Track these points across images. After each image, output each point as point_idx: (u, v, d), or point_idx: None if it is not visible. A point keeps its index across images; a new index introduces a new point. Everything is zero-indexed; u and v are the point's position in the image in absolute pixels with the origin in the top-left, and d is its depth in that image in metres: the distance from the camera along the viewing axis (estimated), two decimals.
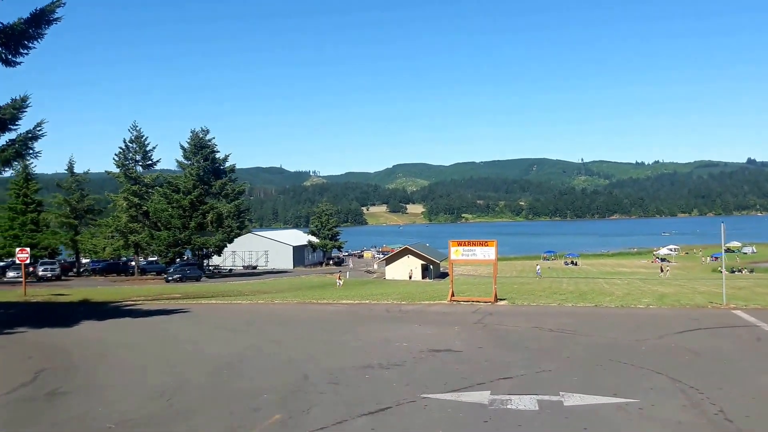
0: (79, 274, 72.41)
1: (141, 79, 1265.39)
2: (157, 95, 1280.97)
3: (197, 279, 60.90)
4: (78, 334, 16.74)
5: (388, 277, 72.11)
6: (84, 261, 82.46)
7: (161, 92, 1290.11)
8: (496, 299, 21.92)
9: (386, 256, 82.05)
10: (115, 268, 74.27)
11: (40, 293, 32.33)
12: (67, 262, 77.22)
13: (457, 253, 22.10)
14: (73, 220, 70.87)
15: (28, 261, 31.57)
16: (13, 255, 69.87)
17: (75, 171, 71.41)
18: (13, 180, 69.58)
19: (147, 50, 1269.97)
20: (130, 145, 70.16)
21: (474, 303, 21.71)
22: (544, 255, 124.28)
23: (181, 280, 58.39)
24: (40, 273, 58.23)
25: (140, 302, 26.81)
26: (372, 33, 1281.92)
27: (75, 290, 38.03)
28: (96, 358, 12.60)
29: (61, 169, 71.26)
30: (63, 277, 62.95)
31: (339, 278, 57.38)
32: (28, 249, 31.58)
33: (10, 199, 69.80)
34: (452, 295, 22.71)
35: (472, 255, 21.93)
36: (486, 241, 22.09)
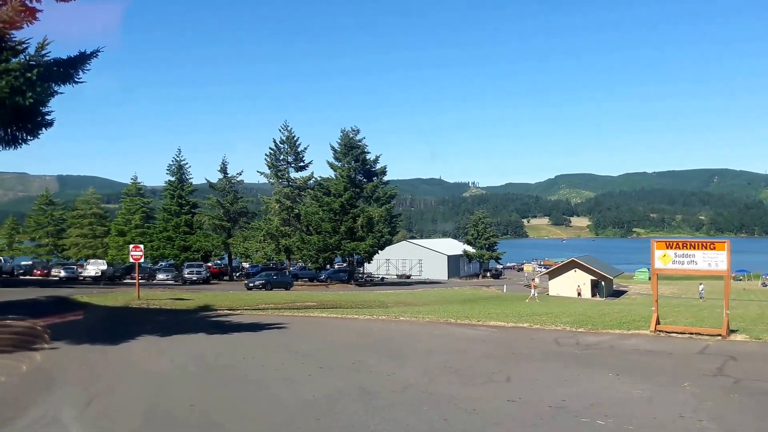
0: (231, 278, 71.92)
1: (293, 83, 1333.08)
2: (307, 100, 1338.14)
3: (287, 287, 52.50)
4: (102, 356, 12.01)
5: (551, 293, 63.98)
6: (245, 265, 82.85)
7: (313, 97, 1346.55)
8: (729, 331, 14.38)
9: (549, 269, 73.83)
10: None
11: (158, 297, 29.19)
12: (221, 265, 77.45)
13: (665, 259, 14.84)
14: (225, 223, 70.54)
15: (142, 260, 28.48)
16: (166, 257, 71.24)
17: (228, 173, 71.07)
18: (168, 181, 70.78)
19: (299, 50, 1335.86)
20: (281, 145, 68.48)
21: (693, 336, 14.35)
22: (734, 274, 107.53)
23: (264, 287, 50.35)
24: (186, 275, 57.44)
25: (247, 312, 22.36)
26: (536, 29, 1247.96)
27: (203, 295, 34.82)
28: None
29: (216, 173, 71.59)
30: (212, 281, 62.13)
31: (533, 286, 51.05)
32: (141, 246, 28.62)
33: (165, 200, 71.08)
34: (657, 322, 15.38)
35: (689, 263, 14.56)
36: (712, 243, 14.61)
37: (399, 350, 13.03)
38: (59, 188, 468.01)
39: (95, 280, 54.58)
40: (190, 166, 72.64)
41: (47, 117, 17.13)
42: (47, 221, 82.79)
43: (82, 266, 62.55)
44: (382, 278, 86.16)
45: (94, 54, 16.57)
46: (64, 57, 15.93)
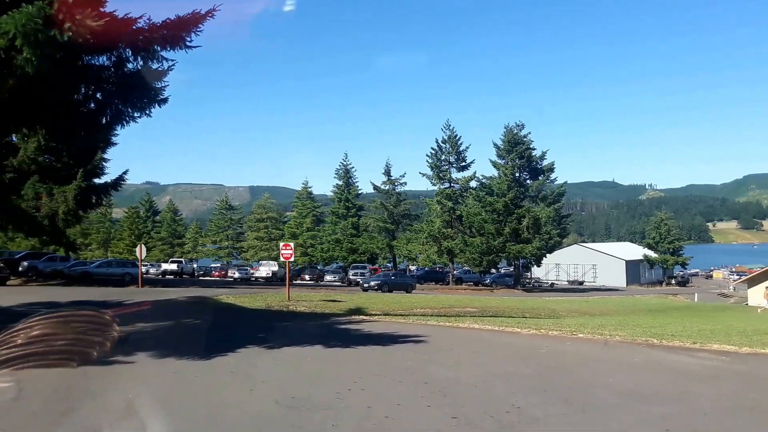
0: None
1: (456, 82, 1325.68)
2: (469, 101, 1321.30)
3: (407, 289, 45.39)
4: (170, 377, 8.89)
5: (750, 302, 53.86)
6: (412, 268, 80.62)
7: (477, 96, 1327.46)
8: None
9: (746, 277, 62.91)
10: (433, 276, 69.89)
11: (309, 299, 26.76)
12: (387, 268, 75.65)
13: None
14: (389, 225, 68.49)
15: (292, 258, 26.00)
16: (335, 259, 70.59)
17: (391, 175, 69.00)
18: (336, 185, 70.28)
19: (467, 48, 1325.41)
20: (443, 145, 64.93)
21: None
22: None
23: (380, 288, 43.55)
24: (350, 277, 55.78)
25: (395, 318, 18.62)
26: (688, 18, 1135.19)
27: (360, 297, 32.02)
28: None
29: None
30: None
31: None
32: (291, 245, 26.06)
33: (333, 204, 70.65)
34: None
35: None
36: None
37: (580, 391, 8.50)
38: (251, 197, 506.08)
39: (267, 281, 54.64)
40: (356, 170, 71.69)
41: (161, 92, 14.54)
42: (227, 225, 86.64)
43: (255, 268, 63.51)
44: (552, 284, 79.49)
45: (208, 13, 13.60)
46: (172, 17, 13.20)
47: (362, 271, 57.63)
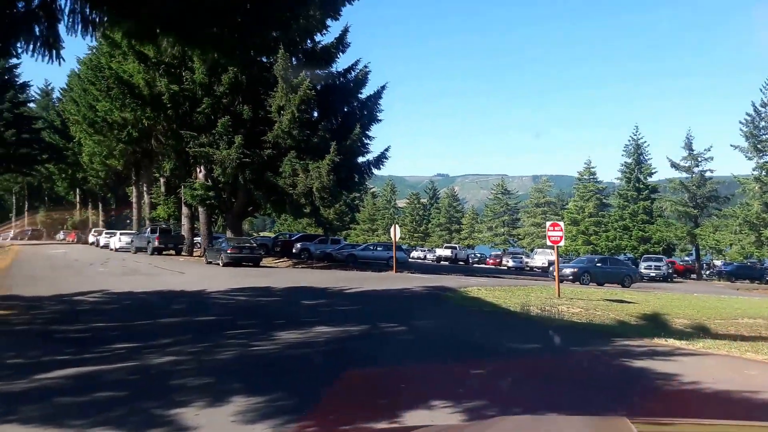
0: (699, 277, 56.82)
1: None
2: None
3: (623, 282, 31.75)
4: None
5: None
6: (716, 263, 66.16)
7: None
8: None
9: None
10: (746, 272, 55.37)
11: (587, 296, 19.86)
12: (688, 261, 62.58)
13: None
14: (691, 210, 55.96)
15: (562, 243, 19.48)
16: (623, 249, 60.30)
17: (693, 149, 56.13)
18: (624, 164, 59.91)
19: None
20: (762, 110, 50.34)
21: None
22: None
23: (578, 279, 30.59)
24: (643, 270, 45.96)
25: (717, 350, 10.71)
26: None
27: (655, 297, 23.75)
28: None
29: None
30: (675, 279, 49.05)
31: None
32: (561, 224, 19.55)
33: (621, 185, 60.44)
34: None
35: None
36: None
37: None
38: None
39: (543, 271, 48.10)
40: (648, 145, 60.39)
41: None
42: (503, 210, 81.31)
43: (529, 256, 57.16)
44: None
45: None
46: None
47: (657, 263, 47.24)
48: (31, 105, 67.38)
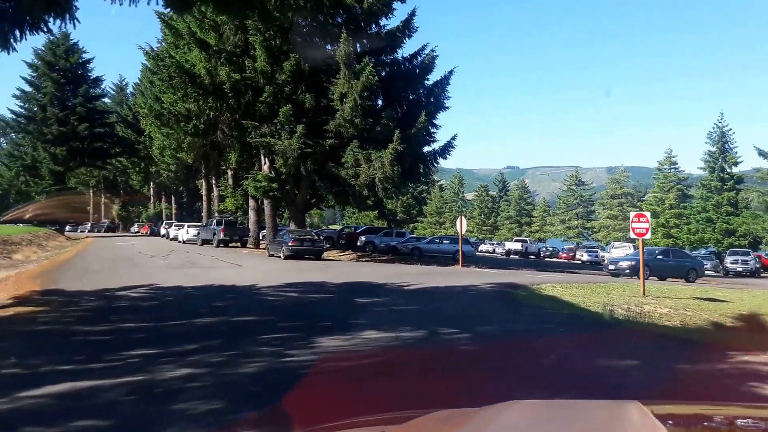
0: None
1: None
2: None
3: (689, 276, 27.86)
4: None
5: None
6: None
7: None
8: None
9: None
10: None
11: (675, 295, 17.63)
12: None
13: None
14: None
15: (648, 235, 17.41)
16: (706, 242, 56.08)
17: None
18: (708, 152, 55.62)
19: None
20: None
21: None
22: None
23: (635, 273, 25.18)
24: (728, 265, 42.31)
25: None
26: None
27: (750, 295, 21.10)
28: None
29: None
30: (763, 275, 44.95)
31: None
32: (647, 215, 17.42)
33: (704, 175, 56.13)
34: None
35: None
36: None
37: None
38: (607, 178, 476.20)
39: (592, 264, 45.26)
40: (733, 133, 55.82)
41: None
42: (576, 202, 77.61)
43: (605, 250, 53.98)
44: None
45: None
46: None
47: (745, 258, 43.39)
48: (106, 100, 69.48)
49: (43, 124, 50.80)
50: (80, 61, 53.18)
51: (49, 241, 37.12)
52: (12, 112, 52.85)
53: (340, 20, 29.50)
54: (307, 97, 28.13)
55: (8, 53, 10.90)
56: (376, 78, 27.09)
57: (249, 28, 27.30)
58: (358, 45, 30.24)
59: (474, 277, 19.74)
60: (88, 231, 69.43)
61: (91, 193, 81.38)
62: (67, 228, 70.75)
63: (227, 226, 34.77)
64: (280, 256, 26.25)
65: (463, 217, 28.66)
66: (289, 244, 25.60)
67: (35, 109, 51.42)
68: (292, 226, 31.06)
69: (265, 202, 34.15)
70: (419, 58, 30.89)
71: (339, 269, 21.58)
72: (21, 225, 54.19)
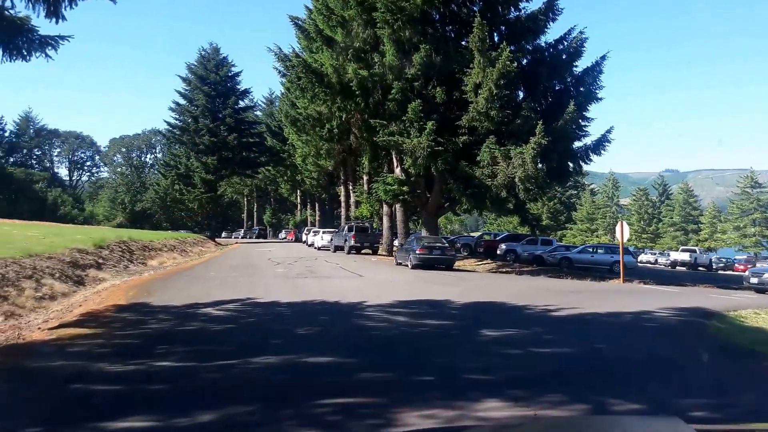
0: None
1: None
2: None
3: None
4: None
5: None
6: None
7: None
8: None
9: None
10: None
11: None
12: None
13: None
14: None
15: None
16: None
17: None
18: None
19: None
20: None
21: None
22: None
23: None
24: None
25: None
26: None
27: None
28: None
29: None
30: None
31: None
32: None
33: None
34: None
35: None
36: None
37: None
38: None
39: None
40: None
41: None
42: (752, 207, 66.81)
43: None
44: None
45: None
46: None
47: None
48: (257, 113, 71.69)
49: (196, 135, 52.69)
50: (229, 74, 54.63)
51: (194, 247, 37.52)
52: (168, 124, 55.58)
53: (475, 8, 26.33)
54: (438, 91, 25.20)
55: (57, 22, 9.35)
56: (515, 64, 23.51)
57: (377, 21, 25.03)
58: (495, 33, 26.90)
59: (643, 297, 15.50)
60: (241, 237, 72.14)
61: (245, 201, 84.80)
62: (223, 234, 74.32)
63: (358, 232, 32.78)
64: (407, 265, 23.48)
65: (624, 223, 24.04)
66: (417, 252, 22.68)
67: (188, 120, 53.49)
68: (424, 232, 28.19)
69: (397, 206, 31.76)
70: (565, 44, 26.87)
71: (471, 283, 18.26)
72: (182, 231, 57.05)
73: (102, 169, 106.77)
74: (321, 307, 11.49)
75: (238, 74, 55.64)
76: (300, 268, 21.28)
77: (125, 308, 10.96)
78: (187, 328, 9.01)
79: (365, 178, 44.63)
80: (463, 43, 26.61)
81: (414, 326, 9.66)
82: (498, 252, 33.34)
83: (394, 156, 29.28)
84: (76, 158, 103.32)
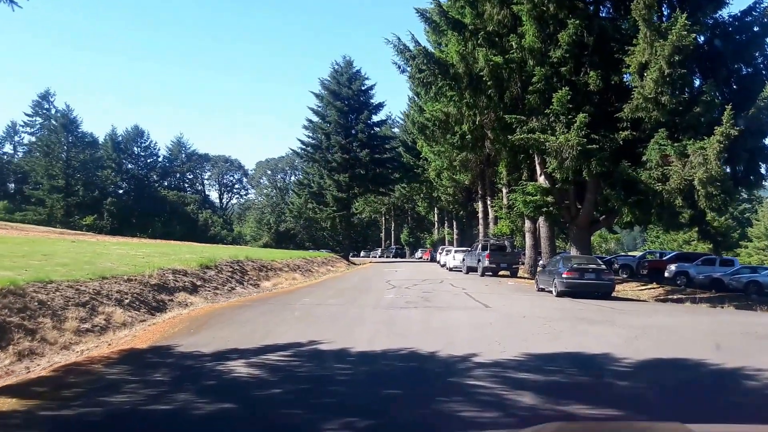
0: None
1: None
2: None
3: None
4: None
5: None
6: None
7: None
8: None
9: None
10: None
11: None
12: None
13: None
14: None
15: None
16: None
17: None
18: None
19: None
20: None
21: None
22: None
23: None
24: None
25: None
26: None
27: None
28: None
29: None
30: None
31: None
32: None
33: None
34: None
35: None
36: None
37: None
38: None
39: None
40: None
41: None
42: None
43: None
44: None
45: None
46: None
47: None
48: (395, 129, 69.44)
49: (328, 152, 51.20)
50: (362, 88, 52.67)
51: (322, 267, 35.15)
52: (301, 142, 54.70)
53: None
54: (591, 75, 20.28)
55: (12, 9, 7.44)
56: (692, 38, 18.05)
57: None
58: (664, 3, 21.46)
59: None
60: (378, 256, 70.01)
61: (383, 220, 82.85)
62: (361, 254, 72.81)
63: (493, 251, 28.07)
64: (551, 291, 18.65)
65: None
66: (563, 275, 17.70)
67: (321, 137, 52.16)
68: (573, 251, 23.03)
69: (540, 221, 26.89)
70: (755, 13, 20.79)
71: (637, 320, 13.06)
72: (323, 251, 55.96)
73: (249, 191, 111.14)
74: (402, 364, 7.54)
75: (371, 88, 53.51)
76: (414, 295, 17.38)
77: (132, 356, 7.83)
78: (160, 408, 5.47)
79: (504, 190, 39.94)
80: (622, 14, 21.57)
81: (547, 417, 5.27)
82: (666, 274, 27.13)
83: (536, 160, 24.63)
84: (225, 181, 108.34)
